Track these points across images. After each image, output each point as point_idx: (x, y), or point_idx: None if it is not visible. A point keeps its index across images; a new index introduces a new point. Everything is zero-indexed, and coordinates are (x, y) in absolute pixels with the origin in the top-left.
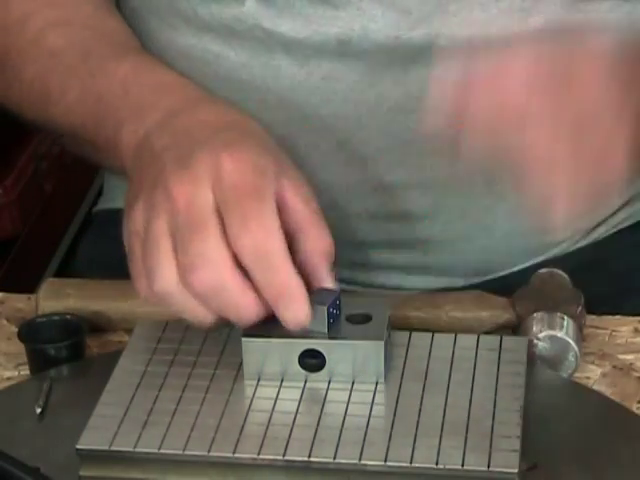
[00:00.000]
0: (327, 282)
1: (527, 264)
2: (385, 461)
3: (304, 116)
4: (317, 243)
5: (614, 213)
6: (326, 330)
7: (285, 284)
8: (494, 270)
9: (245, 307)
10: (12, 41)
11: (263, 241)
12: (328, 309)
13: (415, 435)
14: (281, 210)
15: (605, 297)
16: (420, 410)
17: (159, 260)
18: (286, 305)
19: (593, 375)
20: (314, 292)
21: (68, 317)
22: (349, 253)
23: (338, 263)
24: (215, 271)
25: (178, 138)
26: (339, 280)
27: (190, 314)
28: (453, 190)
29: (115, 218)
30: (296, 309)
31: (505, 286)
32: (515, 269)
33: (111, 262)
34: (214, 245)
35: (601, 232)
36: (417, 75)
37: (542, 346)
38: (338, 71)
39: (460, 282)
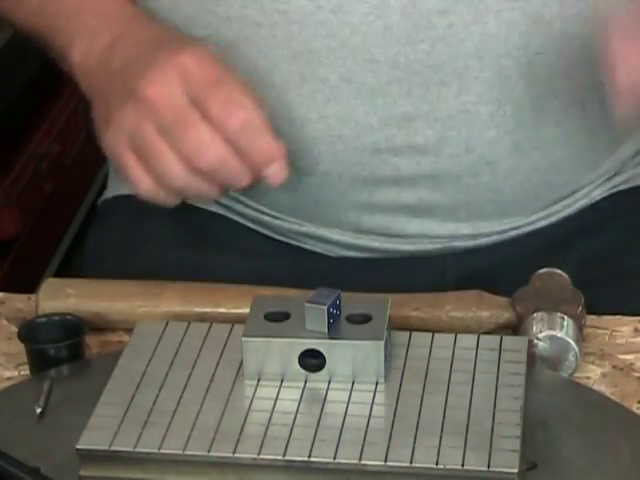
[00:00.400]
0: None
1: (527, 220)
2: (385, 461)
3: (313, 49)
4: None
5: (610, 177)
6: (326, 330)
7: (269, 146)
8: (499, 215)
9: (244, 173)
10: None
11: (247, 117)
12: (328, 309)
13: (415, 435)
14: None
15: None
16: (420, 410)
17: (163, 156)
18: (269, 164)
19: (593, 375)
20: (314, 292)
21: (68, 317)
22: (355, 193)
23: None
24: (217, 150)
25: (131, 53)
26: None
27: (197, 192)
28: (458, 122)
29: (121, 204)
30: (277, 167)
31: (505, 286)
32: (516, 223)
33: (119, 249)
34: (206, 130)
35: (597, 194)
36: (425, 6)
37: (542, 346)
38: (347, 3)
39: (466, 229)
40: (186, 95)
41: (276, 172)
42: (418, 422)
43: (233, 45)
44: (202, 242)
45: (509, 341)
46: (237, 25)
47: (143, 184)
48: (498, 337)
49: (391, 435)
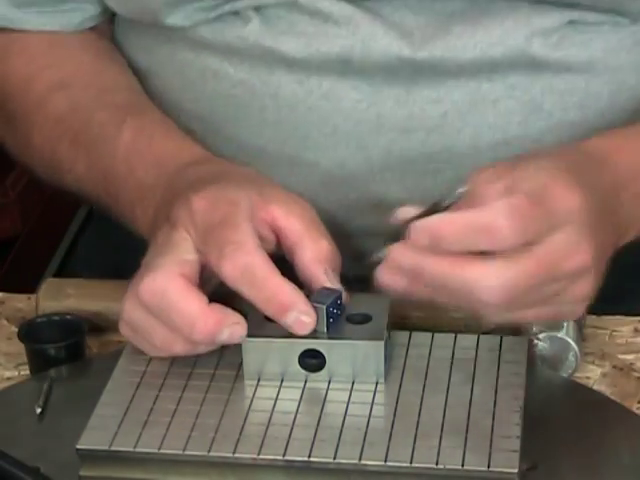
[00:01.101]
0: (326, 285)
1: None
2: (385, 461)
3: (304, 135)
4: (312, 252)
5: None
6: (326, 330)
7: (276, 294)
8: None
9: (190, 312)
10: (16, 107)
11: (242, 260)
12: (328, 309)
13: (415, 435)
14: (277, 234)
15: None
16: (420, 410)
17: (129, 289)
18: (285, 313)
19: (593, 375)
20: (315, 292)
21: (68, 317)
22: (349, 269)
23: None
24: (158, 278)
25: (159, 207)
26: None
27: (157, 337)
28: None
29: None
30: (297, 314)
31: None
32: None
33: (109, 260)
34: (164, 260)
35: None
36: (420, 95)
37: (542, 346)
38: (339, 90)
39: None
40: (193, 242)
41: (296, 321)
42: (418, 422)
43: (222, 123)
44: None
45: (509, 341)
46: (226, 104)
47: (149, 352)
48: (498, 337)
49: (391, 435)
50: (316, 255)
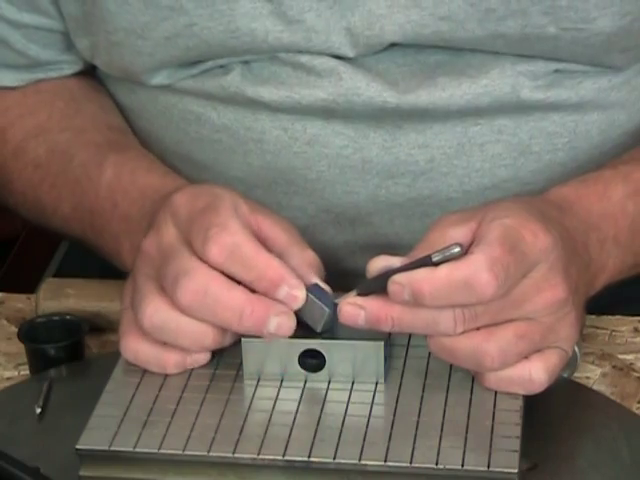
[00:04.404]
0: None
1: None
2: (385, 461)
3: (289, 180)
4: (301, 257)
5: None
6: (319, 330)
7: (266, 271)
8: None
9: (235, 305)
10: None
11: (227, 241)
12: (329, 310)
13: (415, 435)
14: (264, 243)
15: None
16: (420, 410)
17: (144, 296)
18: (276, 289)
19: (593, 375)
20: (309, 287)
21: (68, 317)
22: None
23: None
24: (196, 277)
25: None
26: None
27: (187, 337)
28: None
29: None
30: (287, 289)
31: None
32: None
33: (109, 260)
34: (187, 259)
35: None
36: (405, 140)
37: None
38: (323, 136)
39: None
40: (179, 233)
41: (287, 295)
42: (418, 422)
43: (206, 166)
44: None
45: None
46: (210, 148)
47: (125, 345)
48: None
49: (391, 435)
50: (304, 261)
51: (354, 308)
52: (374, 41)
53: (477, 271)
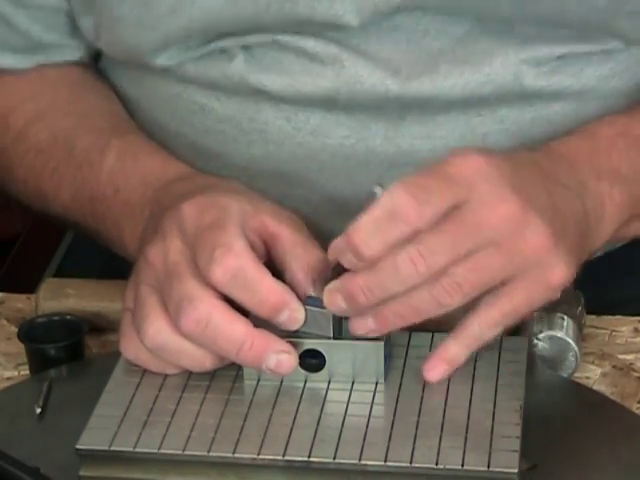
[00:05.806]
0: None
1: None
2: (385, 461)
3: (292, 170)
4: (302, 261)
5: None
6: (331, 335)
7: (269, 296)
8: None
9: (235, 338)
10: None
11: (232, 263)
12: (333, 315)
13: (415, 435)
14: (268, 243)
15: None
16: (420, 410)
17: (148, 314)
18: (278, 314)
19: (593, 375)
20: (305, 301)
21: (68, 317)
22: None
23: None
24: (199, 306)
25: (153, 215)
26: None
27: (187, 359)
28: None
29: None
30: (289, 312)
31: None
32: None
33: (109, 260)
34: (192, 284)
35: None
36: (408, 131)
37: (542, 346)
38: (326, 126)
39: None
40: (184, 246)
41: (288, 318)
42: (418, 422)
43: (210, 156)
44: None
45: (509, 341)
46: (213, 138)
47: (129, 346)
48: (498, 337)
49: (391, 435)
50: (306, 264)
51: (332, 293)
52: (381, 5)
53: (393, 197)
